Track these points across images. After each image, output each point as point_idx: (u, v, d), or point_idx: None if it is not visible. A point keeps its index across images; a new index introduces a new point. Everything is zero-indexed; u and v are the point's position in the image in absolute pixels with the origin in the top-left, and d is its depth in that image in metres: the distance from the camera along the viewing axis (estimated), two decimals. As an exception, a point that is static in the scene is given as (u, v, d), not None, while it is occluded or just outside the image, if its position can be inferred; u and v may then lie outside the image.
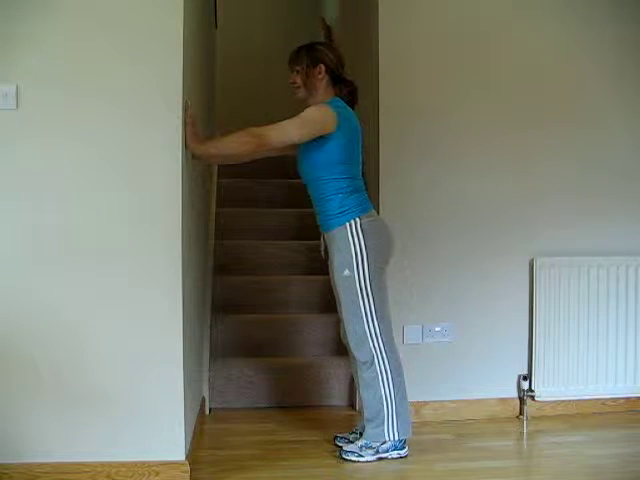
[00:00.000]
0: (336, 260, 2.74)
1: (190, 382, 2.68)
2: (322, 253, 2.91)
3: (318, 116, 2.69)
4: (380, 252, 2.74)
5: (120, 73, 2.38)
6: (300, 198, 2.86)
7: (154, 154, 2.40)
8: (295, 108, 2.84)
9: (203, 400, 3.37)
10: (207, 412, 3.41)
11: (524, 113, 3.38)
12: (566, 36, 3.41)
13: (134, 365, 2.40)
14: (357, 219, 2.71)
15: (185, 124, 2.49)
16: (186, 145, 2.52)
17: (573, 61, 3.42)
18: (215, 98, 4.78)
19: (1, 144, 2.36)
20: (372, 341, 2.73)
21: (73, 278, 2.38)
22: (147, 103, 2.39)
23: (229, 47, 5.71)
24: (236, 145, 2.66)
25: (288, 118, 2.71)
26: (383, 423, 2.75)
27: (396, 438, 2.76)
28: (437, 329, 3.32)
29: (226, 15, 5.40)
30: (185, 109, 2.49)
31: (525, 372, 3.36)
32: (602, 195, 3.43)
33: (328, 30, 5.20)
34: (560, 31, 3.41)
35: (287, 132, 2.67)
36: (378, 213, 3.29)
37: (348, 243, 2.70)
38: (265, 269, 4.20)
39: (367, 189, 2.84)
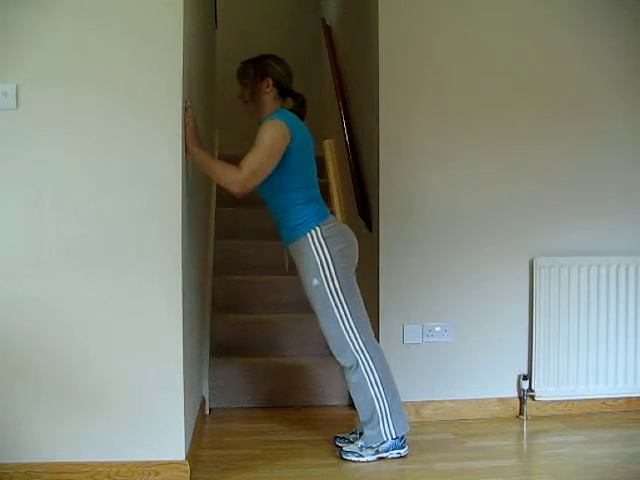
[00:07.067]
0: (303, 271, 2.75)
1: (190, 382, 2.67)
2: (286, 267, 2.90)
3: (277, 135, 2.65)
4: (345, 256, 2.74)
5: (120, 72, 2.38)
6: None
7: (155, 153, 2.40)
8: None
9: (203, 400, 3.36)
10: (207, 412, 3.41)
11: (524, 114, 3.38)
12: (564, 41, 3.41)
13: (134, 365, 2.40)
14: (317, 228, 2.72)
15: (185, 124, 2.50)
16: (185, 145, 2.52)
17: (573, 63, 3.42)
18: (215, 98, 4.77)
19: (1, 143, 2.36)
20: (353, 344, 2.75)
21: (72, 278, 2.38)
22: (147, 102, 2.39)
23: (229, 47, 5.70)
24: (221, 180, 2.64)
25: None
26: (379, 424, 2.76)
27: (394, 436, 2.77)
28: (437, 329, 3.32)
29: (226, 15, 5.40)
30: (185, 109, 2.50)
31: (525, 372, 3.36)
32: (602, 195, 3.44)
33: (328, 30, 5.20)
34: (559, 36, 3.40)
35: (265, 170, 2.64)
36: (378, 215, 3.30)
37: (312, 253, 2.71)
38: (265, 269, 4.20)
39: (323, 197, 2.82)
